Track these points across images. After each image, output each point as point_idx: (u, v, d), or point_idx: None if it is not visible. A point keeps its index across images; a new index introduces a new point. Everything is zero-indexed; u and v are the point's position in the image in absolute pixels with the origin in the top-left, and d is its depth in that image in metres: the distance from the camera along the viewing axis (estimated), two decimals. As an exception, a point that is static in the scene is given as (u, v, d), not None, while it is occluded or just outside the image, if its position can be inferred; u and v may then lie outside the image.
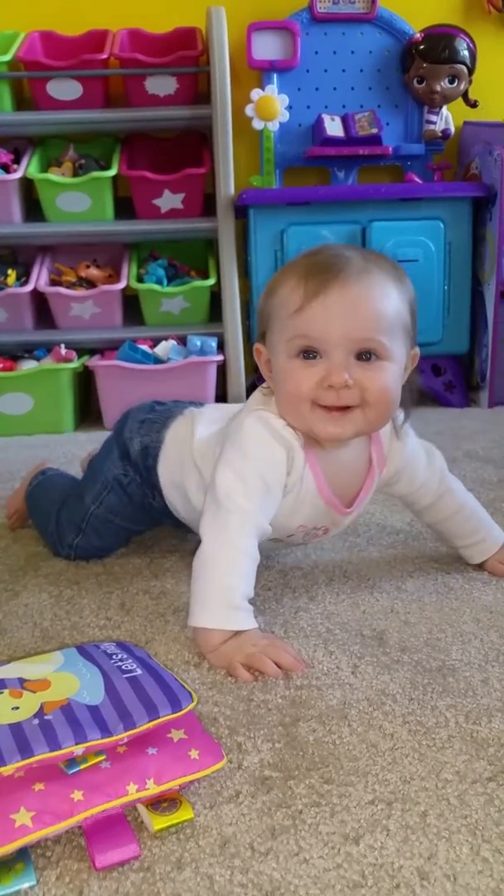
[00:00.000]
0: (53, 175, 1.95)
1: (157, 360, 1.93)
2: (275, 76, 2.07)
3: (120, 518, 1.05)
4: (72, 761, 0.58)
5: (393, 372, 0.82)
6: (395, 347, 0.81)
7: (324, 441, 0.86)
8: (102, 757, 0.59)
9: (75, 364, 1.92)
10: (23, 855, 0.55)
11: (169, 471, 0.99)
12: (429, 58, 2.05)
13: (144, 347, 1.94)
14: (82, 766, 0.58)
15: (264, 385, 0.90)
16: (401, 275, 0.84)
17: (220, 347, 1.98)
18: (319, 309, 0.79)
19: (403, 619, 0.89)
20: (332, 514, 0.92)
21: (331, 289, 0.79)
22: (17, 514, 1.22)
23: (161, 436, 1.00)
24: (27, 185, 2.00)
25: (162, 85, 1.98)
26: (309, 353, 0.81)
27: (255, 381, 2.03)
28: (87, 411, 2.08)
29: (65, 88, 1.96)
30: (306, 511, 0.90)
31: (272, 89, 2.02)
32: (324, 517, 0.92)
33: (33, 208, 2.03)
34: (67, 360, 1.92)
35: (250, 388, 1.99)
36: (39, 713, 0.60)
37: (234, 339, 1.99)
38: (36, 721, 0.59)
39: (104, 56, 1.94)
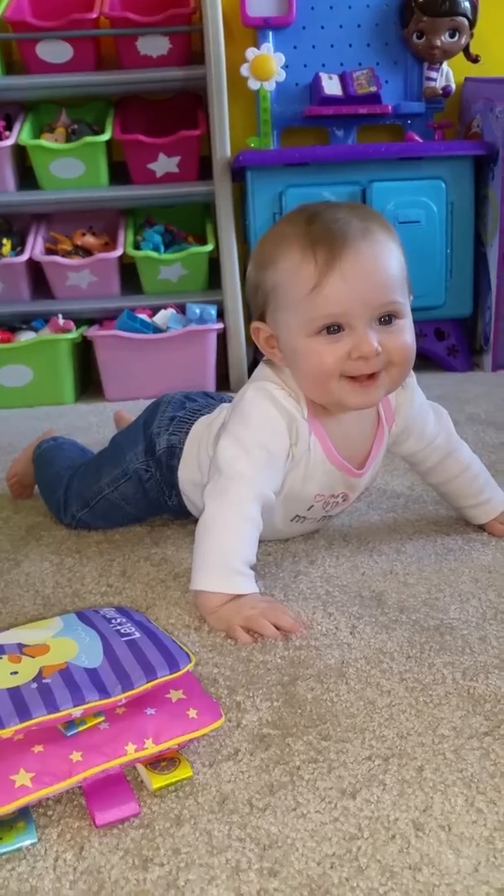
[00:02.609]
0: (46, 141, 1.92)
1: (157, 329, 1.91)
2: (270, 34, 2.02)
3: (130, 507, 1.05)
4: (70, 723, 0.58)
5: (410, 327, 0.83)
6: (406, 301, 0.82)
7: (347, 409, 0.85)
8: (101, 718, 0.59)
9: (74, 334, 1.91)
10: (24, 814, 0.56)
11: (189, 470, 0.97)
12: (428, 11, 2.00)
13: (143, 316, 1.92)
14: (81, 728, 0.58)
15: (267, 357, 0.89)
16: (387, 222, 0.83)
17: (220, 315, 1.96)
18: (339, 283, 0.77)
19: (402, 580, 0.89)
20: (346, 478, 0.91)
21: (344, 259, 0.77)
22: (17, 478, 1.21)
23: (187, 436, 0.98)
24: (20, 152, 1.97)
25: (154, 45, 1.94)
26: (332, 328, 0.80)
27: (255, 356, 2.01)
28: (88, 382, 2.07)
29: (55, 50, 1.92)
30: (319, 478, 0.90)
31: (268, 48, 1.97)
32: (339, 483, 0.91)
33: (27, 175, 2.00)
34: (66, 330, 1.91)
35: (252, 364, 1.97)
36: (38, 677, 0.60)
37: (234, 306, 1.97)
38: (35, 685, 0.59)
39: (94, 15, 1.90)
